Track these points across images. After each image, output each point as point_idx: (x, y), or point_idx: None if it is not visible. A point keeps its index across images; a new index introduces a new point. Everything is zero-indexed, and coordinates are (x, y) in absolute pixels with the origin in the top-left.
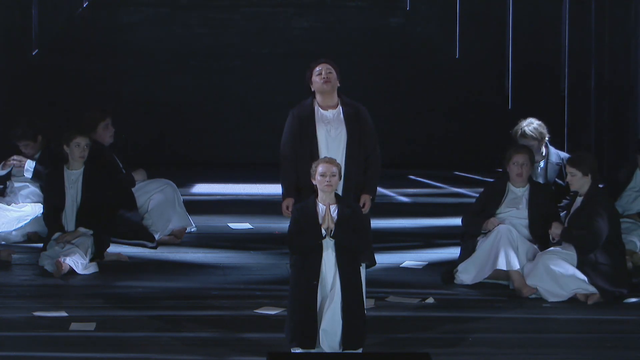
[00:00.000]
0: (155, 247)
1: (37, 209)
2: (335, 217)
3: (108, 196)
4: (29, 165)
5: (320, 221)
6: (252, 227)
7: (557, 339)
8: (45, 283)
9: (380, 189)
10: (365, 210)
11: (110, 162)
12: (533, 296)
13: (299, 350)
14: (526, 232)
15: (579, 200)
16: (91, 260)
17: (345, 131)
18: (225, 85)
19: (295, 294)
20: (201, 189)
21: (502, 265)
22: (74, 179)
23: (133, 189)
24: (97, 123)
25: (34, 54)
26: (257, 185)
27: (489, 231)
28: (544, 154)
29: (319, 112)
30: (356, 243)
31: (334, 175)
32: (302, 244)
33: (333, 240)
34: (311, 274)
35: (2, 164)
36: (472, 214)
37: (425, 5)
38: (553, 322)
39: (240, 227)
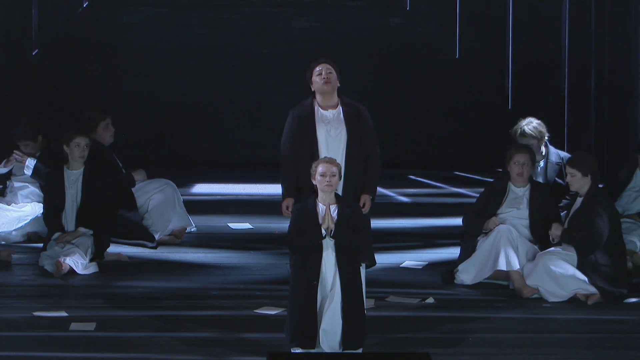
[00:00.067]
0: (155, 247)
1: (37, 209)
2: (335, 217)
3: (108, 196)
4: (30, 162)
5: (320, 221)
6: (252, 227)
7: (557, 339)
8: (45, 283)
9: (380, 189)
10: (365, 210)
11: (110, 162)
12: (533, 296)
13: (299, 350)
14: (527, 232)
15: (579, 200)
16: (91, 260)
17: (345, 131)
18: (225, 85)
19: (295, 294)
20: (201, 189)
21: (502, 265)
22: (74, 179)
23: (133, 189)
24: (97, 123)
25: (34, 54)
26: (257, 185)
27: (490, 230)
28: (543, 153)
29: (319, 112)
30: (356, 243)
31: (334, 175)
32: (302, 244)
33: (333, 240)
34: (311, 274)
35: (4, 161)
36: (473, 213)
37: (425, 5)
38: (553, 322)
39: (240, 227)
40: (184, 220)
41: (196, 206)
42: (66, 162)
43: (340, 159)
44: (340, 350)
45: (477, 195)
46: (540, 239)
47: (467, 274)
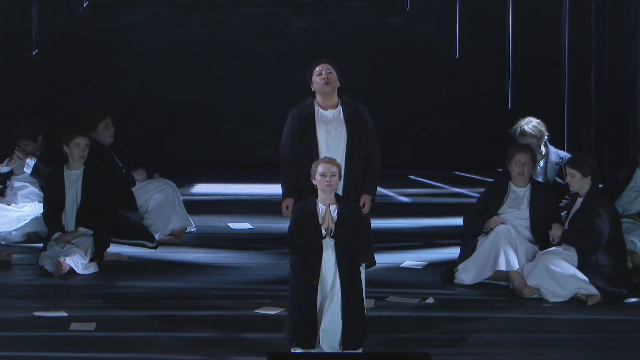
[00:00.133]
0: (155, 247)
1: (37, 209)
2: (335, 217)
3: (108, 196)
4: (30, 161)
5: (320, 221)
6: (252, 227)
7: (557, 339)
8: (45, 283)
9: (380, 189)
10: (365, 210)
11: (110, 162)
12: (534, 296)
13: (299, 350)
14: (527, 233)
15: (579, 201)
16: (91, 260)
17: (345, 131)
18: (225, 85)
19: (295, 294)
20: (201, 189)
21: (501, 266)
22: (73, 179)
23: (133, 189)
24: (97, 123)
25: (34, 54)
26: (257, 185)
27: (491, 230)
28: (543, 153)
29: (319, 112)
30: (356, 243)
31: (334, 175)
32: (302, 244)
33: (333, 240)
34: (311, 274)
35: (7, 159)
36: (473, 213)
37: (425, 5)
38: (553, 322)
39: (240, 227)
40: (184, 220)
41: (196, 206)
42: (66, 162)
43: (340, 159)
44: (340, 350)
45: (477, 195)
46: (540, 239)
47: (466, 274)
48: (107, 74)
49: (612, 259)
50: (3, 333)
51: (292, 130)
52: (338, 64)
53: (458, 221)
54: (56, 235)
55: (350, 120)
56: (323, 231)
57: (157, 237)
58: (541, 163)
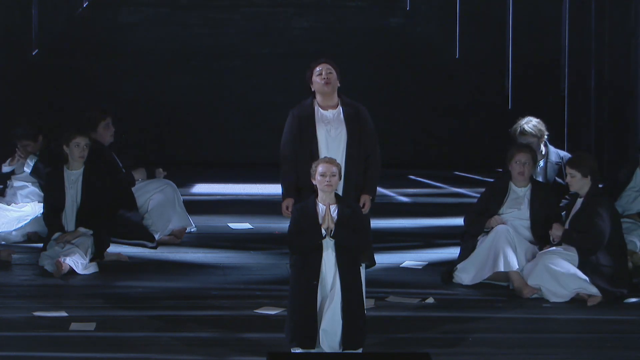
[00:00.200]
0: (155, 247)
1: (37, 209)
2: (335, 217)
3: (108, 196)
4: (30, 159)
5: (320, 221)
6: (252, 227)
7: (557, 339)
8: (45, 283)
9: (380, 189)
10: (365, 210)
11: (110, 161)
12: (534, 296)
13: (299, 350)
14: (527, 233)
15: (579, 201)
16: (91, 260)
17: (346, 131)
18: (225, 85)
19: (295, 294)
20: (201, 189)
21: (501, 267)
22: (73, 179)
23: (133, 189)
24: (97, 122)
25: (34, 54)
26: (257, 185)
27: (491, 229)
28: (543, 152)
29: (319, 112)
30: (356, 243)
31: (334, 175)
32: (302, 244)
33: (333, 240)
34: (311, 274)
35: (9, 159)
36: (474, 213)
37: (425, 5)
38: (553, 322)
39: (240, 227)
40: (184, 220)
41: (196, 206)
42: (66, 162)
43: (340, 159)
44: (340, 350)
45: (477, 195)
46: (541, 239)
47: (465, 274)
48: (107, 74)
49: (613, 259)
50: (3, 333)
51: (292, 130)
52: (338, 64)
53: (458, 221)
54: (56, 235)
55: (350, 120)
56: (323, 231)
57: (157, 237)
58: (541, 163)
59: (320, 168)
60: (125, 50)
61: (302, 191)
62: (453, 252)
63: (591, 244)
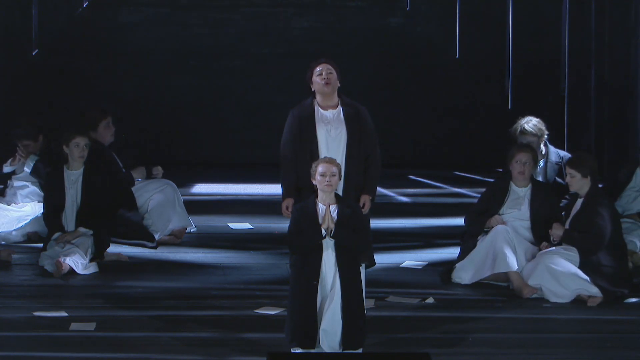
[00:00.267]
0: (155, 247)
1: (37, 208)
2: (335, 217)
3: (108, 196)
4: (32, 159)
5: (320, 221)
6: (252, 227)
7: (557, 339)
8: (45, 283)
9: (380, 189)
10: (365, 210)
11: (111, 161)
12: (533, 296)
13: (299, 350)
14: (528, 234)
15: (579, 202)
16: (91, 260)
17: (346, 131)
18: (225, 85)
19: (295, 294)
20: (201, 189)
21: (500, 267)
22: (73, 179)
23: (133, 189)
24: (98, 122)
25: (34, 54)
26: (257, 185)
27: (492, 228)
28: (543, 152)
29: (319, 112)
30: (356, 243)
31: (334, 175)
32: (302, 244)
33: (333, 240)
34: (311, 274)
35: (10, 160)
36: (474, 213)
37: (425, 5)
38: (553, 322)
39: (240, 227)
40: (184, 220)
41: (196, 206)
42: (66, 162)
43: (340, 159)
44: (340, 350)
45: (477, 195)
46: (541, 239)
47: (464, 273)
48: (107, 74)
49: (614, 259)
50: (3, 333)
51: (292, 130)
52: (338, 64)
53: (458, 221)
54: (56, 235)
55: (350, 121)
56: (323, 231)
57: (157, 237)
58: (541, 163)
59: (320, 168)
60: (125, 50)
61: (302, 191)
62: (453, 252)
63: (592, 244)
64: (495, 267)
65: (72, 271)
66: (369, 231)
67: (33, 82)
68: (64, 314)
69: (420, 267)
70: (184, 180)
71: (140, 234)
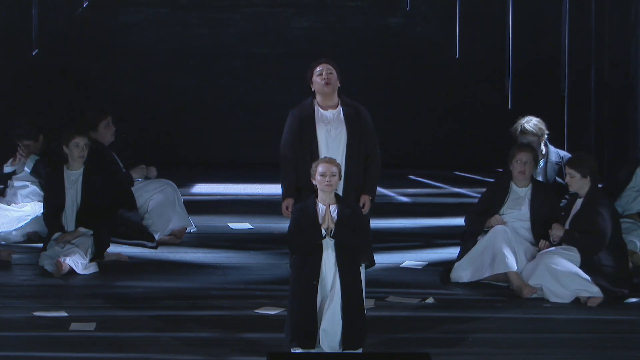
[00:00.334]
0: (155, 247)
1: (37, 208)
2: (335, 217)
3: (108, 196)
4: (32, 159)
5: (320, 221)
6: (252, 227)
7: (557, 339)
8: (45, 283)
9: (380, 189)
10: (365, 210)
11: (111, 161)
12: (533, 296)
13: (299, 350)
14: (528, 234)
15: (578, 202)
16: (91, 260)
17: (346, 131)
18: (225, 85)
19: (295, 294)
20: (201, 189)
21: (499, 268)
22: (73, 179)
23: (133, 189)
24: (98, 122)
25: (34, 54)
26: (257, 185)
27: (492, 227)
28: (543, 152)
29: (319, 112)
30: (356, 243)
31: (334, 175)
32: (302, 244)
33: (333, 240)
34: (311, 274)
35: (11, 159)
36: (474, 213)
37: (425, 5)
38: (553, 322)
39: (240, 227)
40: (184, 220)
41: (196, 206)
42: (66, 162)
43: (341, 159)
44: (340, 350)
45: (477, 195)
46: (541, 240)
47: (463, 272)
48: (107, 74)
49: (614, 259)
50: (3, 333)
51: (292, 130)
52: (338, 64)
53: (458, 221)
54: (56, 235)
55: (350, 121)
56: (323, 231)
57: (157, 237)
58: (541, 163)
59: (320, 168)
60: (125, 50)
61: (302, 191)
62: (453, 252)
63: (593, 244)
64: (494, 267)
65: (72, 271)
66: (369, 231)
67: (33, 82)
68: (64, 314)
69: (420, 267)
70: (184, 180)
71: (140, 234)
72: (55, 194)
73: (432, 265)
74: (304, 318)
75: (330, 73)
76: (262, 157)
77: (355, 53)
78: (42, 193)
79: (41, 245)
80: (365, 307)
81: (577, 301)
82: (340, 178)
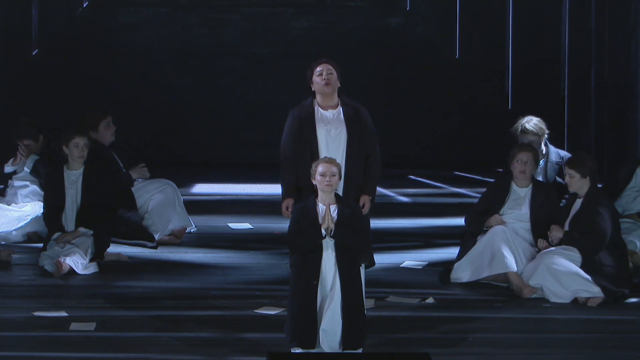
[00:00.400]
0: (155, 247)
1: (37, 208)
2: (335, 217)
3: (108, 196)
4: (32, 158)
5: (320, 221)
6: (252, 227)
7: (557, 339)
8: (45, 283)
9: (380, 189)
10: (365, 211)
11: (111, 161)
12: (533, 296)
13: (299, 350)
14: (528, 235)
15: (578, 202)
16: (91, 260)
17: (346, 131)
18: (225, 85)
19: (295, 294)
20: (201, 189)
21: (498, 268)
22: (73, 179)
23: (133, 189)
24: (98, 122)
25: (34, 54)
26: (257, 185)
27: (491, 227)
28: (544, 152)
29: (319, 112)
30: (356, 243)
31: (334, 175)
32: (302, 244)
33: (333, 240)
34: (311, 274)
35: (12, 159)
36: (474, 213)
37: (425, 5)
38: (553, 322)
39: (240, 227)
40: (184, 220)
41: (196, 206)
42: (66, 163)
43: (341, 159)
44: (340, 350)
45: (477, 195)
46: (540, 239)
47: (462, 272)
48: (107, 74)
49: (614, 259)
50: (3, 333)
51: (292, 130)
52: (338, 64)
53: (458, 221)
54: (56, 235)
55: (350, 121)
56: (323, 231)
57: (157, 237)
58: (541, 162)
59: (320, 168)
60: (125, 50)
61: (302, 191)
62: (453, 252)
63: (593, 244)
64: (492, 267)
65: (72, 271)
66: (369, 231)
67: (33, 82)
68: (64, 314)
69: (420, 267)
70: (184, 180)
71: (140, 234)
72: (55, 194)
73: (432, 265)
74: (304, 318)
75: (331, 73)
76: (262, 157)
77: (355, 53)
78: (42, 193)
79: (41, 245)
80: (365, 307)
81: (575, 301)
82: (340, 178)
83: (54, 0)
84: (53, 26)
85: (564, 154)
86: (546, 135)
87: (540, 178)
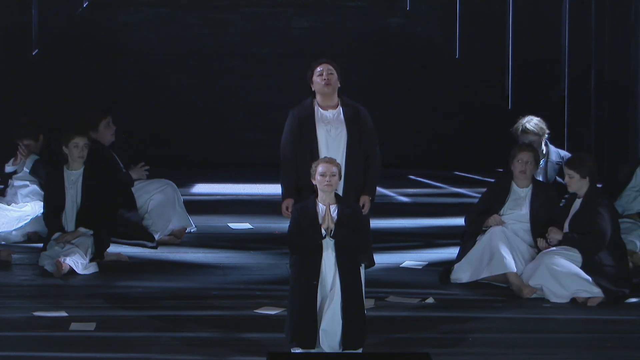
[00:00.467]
0: (155, 247)
1: (37, 208)
2: (335, 217)
3: (108, 196)
4: (31, 158)
5: (320, 221)
6: (252, 227)
7: (557, 339)
8: (45, 283)
9: (380, 189)
10: (365, 211)
11: (111, 161)
12: (533, 296)
13: (299, 350)
14: (528, 236)
15: (577, 202)
16: (91, 260)
17: (346, 131)
18: (225, 85)
19: (295, 294)
20: (201, 189)
21: (497, 269)
22: (73, 179)
23: (133, 189)
24: (98, 121)
25: (34, 54)
26: (257, 185)
27: (491, 227)
28: (544, 152)
29: (319, 112)
30: (356, 243)
31: (334, 175)
32: (302, 244)
33: (333, 240)
34: (311, 274)
35: (12, 159)
36: (474, 213)
37: (425, 5)
38: (553, 322)
39: (240, 227)
40: (184, 220)
41: (196, 206)
42: (66, 163)
43: (340, 159)
44: (340, 350)
45: (477, 195)
46: (539, 239)
47: (462, 272)
48: (107, 74)
49: (614, 259)
50: (3, 333)
51: (292, 131)
52: (338, 64)
53: (458, 221)
54: (56, 235)
55: (350, 121)
56: (323, 231)
57: (157, 237)
58: (542, 162)
59: (320, 168)
60: (125, 50)
61: (302, 191)
62: (453, 252)
63: (593, 244)
64: (492, 268)
65: (72, 271)
66: (369, 231)
67: (33, 82)
68: (64, 314)
69: (420, 267)
70: (184, 180)
71: (140, 234)
72: (55, 194)
73: (432, 265)
74: (304, 318)
75: (331, 73)
76: (262, 157)
77: (355, 53)
78: (42, 193)
79: (41, 245)
80: (365, 307)
81: (574, 301)
82: (340, 178)
83: (54, 0)
84: (53, 26)
85: (564, 153)
86: (546, 135)
87: (540, 178)
